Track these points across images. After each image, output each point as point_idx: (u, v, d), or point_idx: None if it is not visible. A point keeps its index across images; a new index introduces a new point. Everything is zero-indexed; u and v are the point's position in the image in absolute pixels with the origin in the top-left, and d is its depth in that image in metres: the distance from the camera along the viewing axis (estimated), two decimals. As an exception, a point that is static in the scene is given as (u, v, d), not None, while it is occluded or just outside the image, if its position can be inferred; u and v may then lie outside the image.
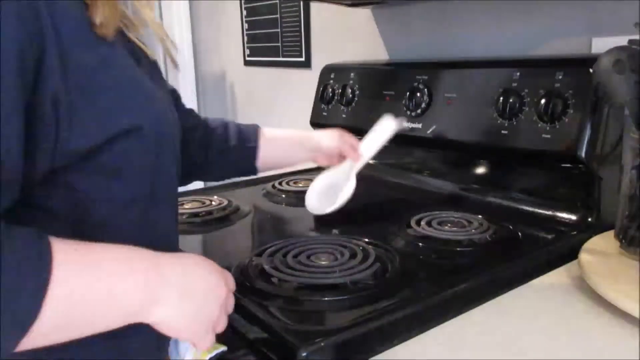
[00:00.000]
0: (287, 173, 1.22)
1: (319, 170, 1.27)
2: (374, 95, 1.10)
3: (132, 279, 0.40)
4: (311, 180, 1.11)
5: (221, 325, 0.49)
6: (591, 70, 0.74)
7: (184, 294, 0.43)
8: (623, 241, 0.66)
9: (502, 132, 0.85)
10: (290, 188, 1.07)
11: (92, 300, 0.38)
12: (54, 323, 0.36)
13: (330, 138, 0.87)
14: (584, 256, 0.65)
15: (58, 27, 0.39)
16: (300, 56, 1.50)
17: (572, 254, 0.69)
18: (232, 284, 0.51)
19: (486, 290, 0.63)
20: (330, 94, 1.20)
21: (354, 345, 0.52)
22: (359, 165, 0.87)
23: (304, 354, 0.48)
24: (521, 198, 0.86)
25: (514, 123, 0.83)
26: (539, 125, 0.80)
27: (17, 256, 0.34)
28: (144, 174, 0.48)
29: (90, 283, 0.38)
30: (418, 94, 0.99)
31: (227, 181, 1.21)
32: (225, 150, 0.81)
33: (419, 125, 0.99)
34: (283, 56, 1.58)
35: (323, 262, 0.65)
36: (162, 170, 0.51)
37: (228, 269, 0.66)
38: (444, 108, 0.95)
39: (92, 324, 0.39)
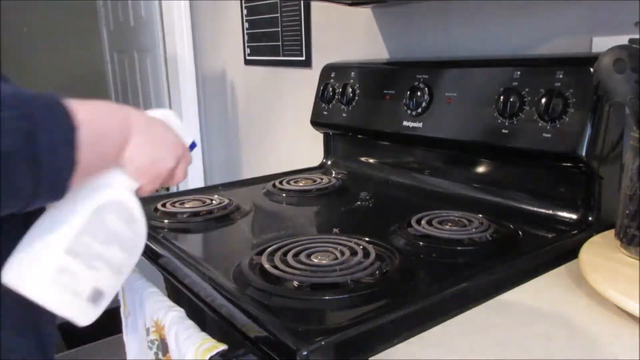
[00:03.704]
0: (288, 172, 1.23)
1: (319, 169, 1.27)
2: (375, 94, 1.10)
3: (117, 125, 0.50)
4: (312, 179, 1.12)
5: (176, 178, 0.58)
6: (592, 70, 0.74)
7: (147, 141, 0.53)
8: (623, 240, 0.66)
9: (503, 131, 0.85)
10: (291, 187, 1.07)
11: (104, 134, 0.48)
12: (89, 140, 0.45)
13: None
14: (584, 255, 0.65)
15: None
16: (301, 55, 1.50)
17: (572, 253, 0.69)
18: (189, 156, 0.61)
19: (486, 290, 0.63)
20: (331, 93, 1.20)
21: (354, 345, 0.52)
22: None
23: (304, 353, 0.48)
24: (521, 197, 0.86)
25: (515, 122, 0.83)
26: (540, 124, 0.80)
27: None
28: None
29: (103, 125, 0.48)
30: (418, 93, 0.99)
31: (227, 180, 1.21)
32: None
33: (420, 125, 0.99)
34: (283, 55, 1.58)
35: (323, 261, 0.65)
36: None
37: (229, 268, 0.67)
38: (445, 107, 0.95)
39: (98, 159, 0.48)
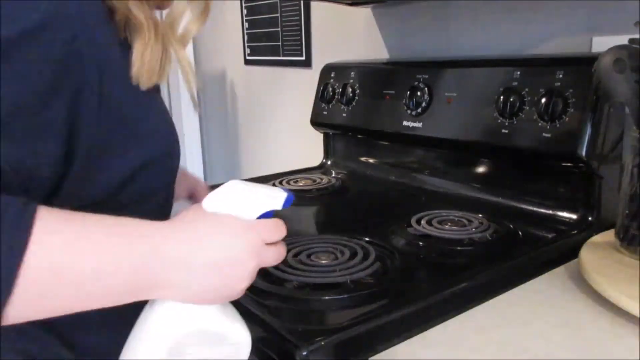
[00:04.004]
0: (288, 172, 1.23)
1: (319, 169, 1.27)
2: (375, 94, 1.10)
3: (126, 262, 0.38)
4: (312, 179, 1.12)
5: (272, 263, 0.46)
6: (592, 69, 0.74)
7: (192, 275, 0.41)
8: (623, 240, 0.66)
9: (503, 131, 0.84)
10: (291, 187, 1.07)
11: (74, 277, 0.35)
12: (30, 296, 0.33)
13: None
14: (584, 255, 0.65)
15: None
16: (301, 55, 1.50)
17: (572, 253, 0.69)
18: (269, 235, 0.45)
19: (486, 289, 0.63)
20: (331, 93, 1.20)
21: (354, 345, 0.52)
22: None
23: (304, 353, 0.48)
24: (521, 197, 0.86)
25: (515, 122, 0.83)
26: (539, 124, 0.80)
27: None
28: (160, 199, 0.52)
29: (74, 259, 0.35)
30: (418, 93, 0.99)
31: (227, 180, 1.21)
32: None
33: (419, 125, 0.99)
34: (283, 55, 1.58)
35: (323, 261, 0.65)
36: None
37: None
38: (445, 107, 0.95)
39: (79, 301, 0.37)
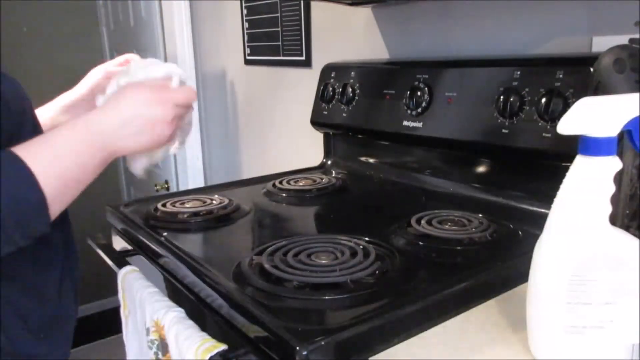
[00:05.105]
0: (288, 172, 1.23)
1: (319, 169, 1.27)
2: (375, 94, 1.10)
3: (84, 144, 0.57)
4: (312, 179, 1.12)
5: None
6: (592, 69, 0.74)
7: (125, 127, 0.59)
8: (623, 240, 0.66)
9: (503, 131, 0.85)
10: (291, 187, 1.07)
11: (67, 171, 0.55)
12: (56, 192, 0.53)
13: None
14: (584, 255, 0.65)
15: None
16: (301, 55, 1.50)
17: (572, 253, 0.69)
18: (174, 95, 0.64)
19: (486, 289, 0.63)
20: (331, 93, 1.20)
21: (354, 344, 0.52)
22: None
23: (304, 353, 0.48)
24: (521, 197, 0.86)
25: (515, 122, 0.83)
26: (540, 124, 0.80)
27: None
28: None
29: (60, 165, 0.55)
30: (419, 93, 0.99)
31: (227, 180, 1.21)
32: None
33: (420, 124, 0.99)
34: (283, 55, 1.58)
35: (323, 261, 0.65)
36: None
37: (229, 268, 0.67)
38: (445, 107, 0.95)
39: (80, 181, 0.57)
